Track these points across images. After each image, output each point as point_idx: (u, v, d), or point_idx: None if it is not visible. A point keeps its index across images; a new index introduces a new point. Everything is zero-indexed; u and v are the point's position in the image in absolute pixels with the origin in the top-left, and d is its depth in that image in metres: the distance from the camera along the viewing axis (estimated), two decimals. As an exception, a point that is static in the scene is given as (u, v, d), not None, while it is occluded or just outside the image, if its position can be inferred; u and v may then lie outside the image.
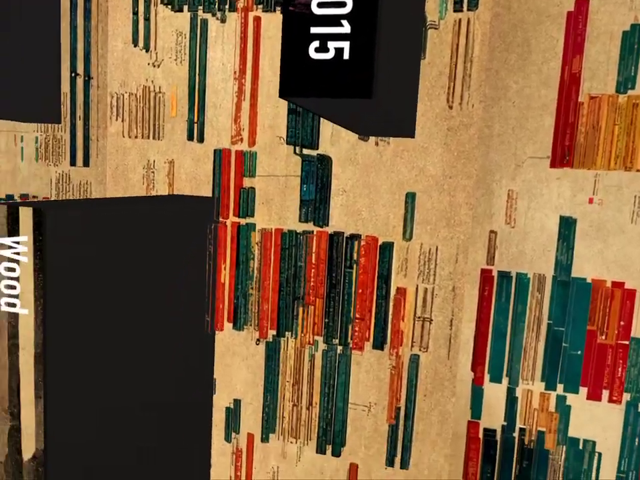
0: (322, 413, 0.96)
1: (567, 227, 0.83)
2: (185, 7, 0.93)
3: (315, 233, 0.93)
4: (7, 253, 0.46)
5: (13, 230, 0.45)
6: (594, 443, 0.85)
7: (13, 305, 0.48)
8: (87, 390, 0.59)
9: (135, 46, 0.97)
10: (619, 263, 0.82)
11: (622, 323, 0.82)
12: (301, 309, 0.95)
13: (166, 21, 0.94)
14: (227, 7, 0.92)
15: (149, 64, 0.97)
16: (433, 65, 0.85)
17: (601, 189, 0.82)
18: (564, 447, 0.86)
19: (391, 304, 0.91)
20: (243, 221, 0.94)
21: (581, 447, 0.85)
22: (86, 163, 1.04)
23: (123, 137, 1.00)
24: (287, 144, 0.92)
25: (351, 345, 0.93)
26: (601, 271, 0.83)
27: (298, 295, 0.94)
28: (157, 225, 0.74)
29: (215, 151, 0.95)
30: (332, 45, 0.55)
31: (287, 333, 0.96)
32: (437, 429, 0.92)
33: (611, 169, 0.81)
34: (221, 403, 0.99)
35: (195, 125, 0.96)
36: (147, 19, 0.95)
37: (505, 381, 0.87)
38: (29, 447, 0.51)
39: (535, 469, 0.87)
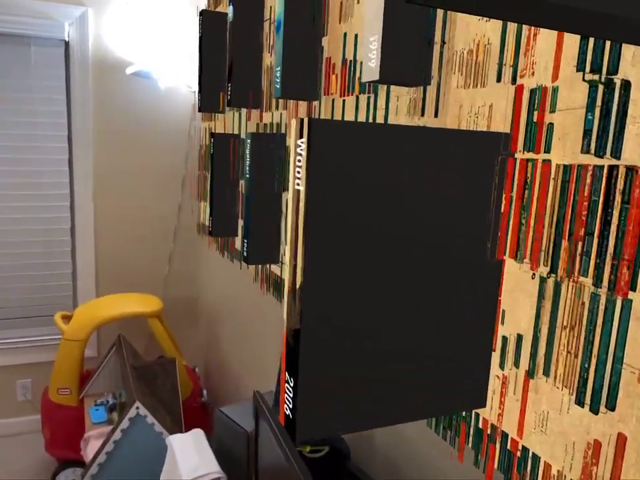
0: (588, 364, 0.87)
1: None
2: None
3: (604, 166, 0.85)
4: (298, 150, 0.76)
5: (301, 134, 0.75)
6: None
7: (299, 185, 0.78)
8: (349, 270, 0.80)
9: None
10: None
11: None
12: (573, 247, 0.88)
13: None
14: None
15: (479, 19, 1.10)
16: None
17: None
18: None
19: (683, 252, 0.75)
20: (535, 156, 0.95)
21: None
22: (436, 114, 1.26)
23: (457, 87, 1.17)
24: (576, 71, 0.87)
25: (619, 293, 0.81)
26: None
27: (571, 231, 0.88)
28: (440, 149, 0.82)
29: (515, 88, 0.99)
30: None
31: (559, 271, 0.91)
32: None
33: None
34: (501, 333, 1.03)
35: (510, 68, 1.03)
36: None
37: None
38: (299, 281, 0.80)
39: None
